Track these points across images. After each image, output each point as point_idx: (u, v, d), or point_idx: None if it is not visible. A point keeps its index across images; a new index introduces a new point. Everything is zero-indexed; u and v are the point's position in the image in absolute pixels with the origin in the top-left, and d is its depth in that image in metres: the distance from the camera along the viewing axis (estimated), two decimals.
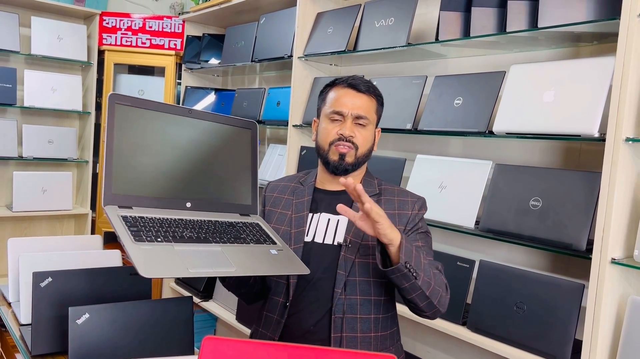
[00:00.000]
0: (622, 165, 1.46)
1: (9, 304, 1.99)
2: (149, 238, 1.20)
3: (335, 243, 1.43)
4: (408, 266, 1.24)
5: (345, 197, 1.45)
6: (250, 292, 1.50)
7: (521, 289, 1.69)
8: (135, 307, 1.46)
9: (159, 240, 1.21)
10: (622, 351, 1.47)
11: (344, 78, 1.48)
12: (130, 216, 1.26)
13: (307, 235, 1.46)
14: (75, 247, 2.12)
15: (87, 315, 1.39)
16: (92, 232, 3.82)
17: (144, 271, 1.09)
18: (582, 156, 1.80)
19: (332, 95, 1.47)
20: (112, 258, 1.95)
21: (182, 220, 1.32)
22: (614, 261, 1.47)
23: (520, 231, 1.70)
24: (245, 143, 1.51)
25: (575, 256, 1.61)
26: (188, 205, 1.38)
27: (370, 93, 1.47)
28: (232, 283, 1.45)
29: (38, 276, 1.58)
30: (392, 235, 1.24)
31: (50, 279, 1.60)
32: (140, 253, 1.14)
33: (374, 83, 2.29)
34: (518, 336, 1.67)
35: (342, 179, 1.23)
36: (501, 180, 1.80)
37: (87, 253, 1.93)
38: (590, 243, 1.54)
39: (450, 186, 1.96)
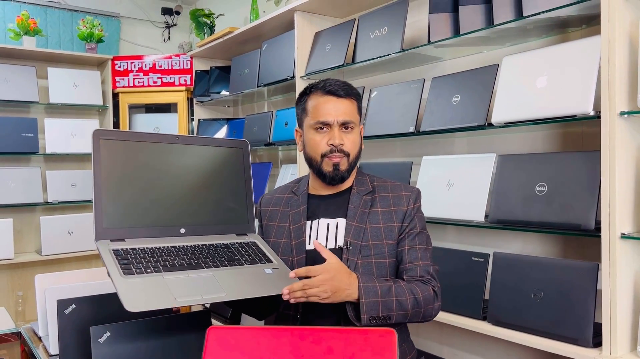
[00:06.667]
0: (620, 139, 1.46)
1: (40, 339, 2.05)
2: (138, 270, 1.21)
3: (337, 247, 1.42)
4: (374, 320, 1.27)
5: (342, 198, 1.47)
6: (263, 307, 1.48)
7: (537, 276, 1.67)
8: (155, 323, 1.48)
9: (149, 271, 1.21)
10: None
11: (319, 84, 1.44)
12: (122, 249, 1.27)
13: (308, 244, 1.45)
14: (99, 278, 2.17)
15: (108, 334, 1.42)
16: None
17: (130, 305, 1.09)
18: (584, 139, 1.80)
19: (312, 103, 1.44)
20: None
21: (174, 247, 1.32)
22: (623, 236, 1.46)
23: (529, 218, 1.70)
24: (238, 163, 1.51)
25: (585, 236, 1.60)
26: (182, 231, 1.39)
27: (350, 95, 1.43)
28: (241, 304, 1.43)
29: (62, 304, 1.62)
30: (348, 298, 1.27)
31: (74, 306, 1.64)
32: (127, 287, 1.15)
33: (374, 94, 2.34)
34: (539, 324, 1.65)
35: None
36: (505, 171, 1.81)
37: (109, 282, 1.97)
38: (599, 222, 1.53)
39: (458, 183, 1.97)
